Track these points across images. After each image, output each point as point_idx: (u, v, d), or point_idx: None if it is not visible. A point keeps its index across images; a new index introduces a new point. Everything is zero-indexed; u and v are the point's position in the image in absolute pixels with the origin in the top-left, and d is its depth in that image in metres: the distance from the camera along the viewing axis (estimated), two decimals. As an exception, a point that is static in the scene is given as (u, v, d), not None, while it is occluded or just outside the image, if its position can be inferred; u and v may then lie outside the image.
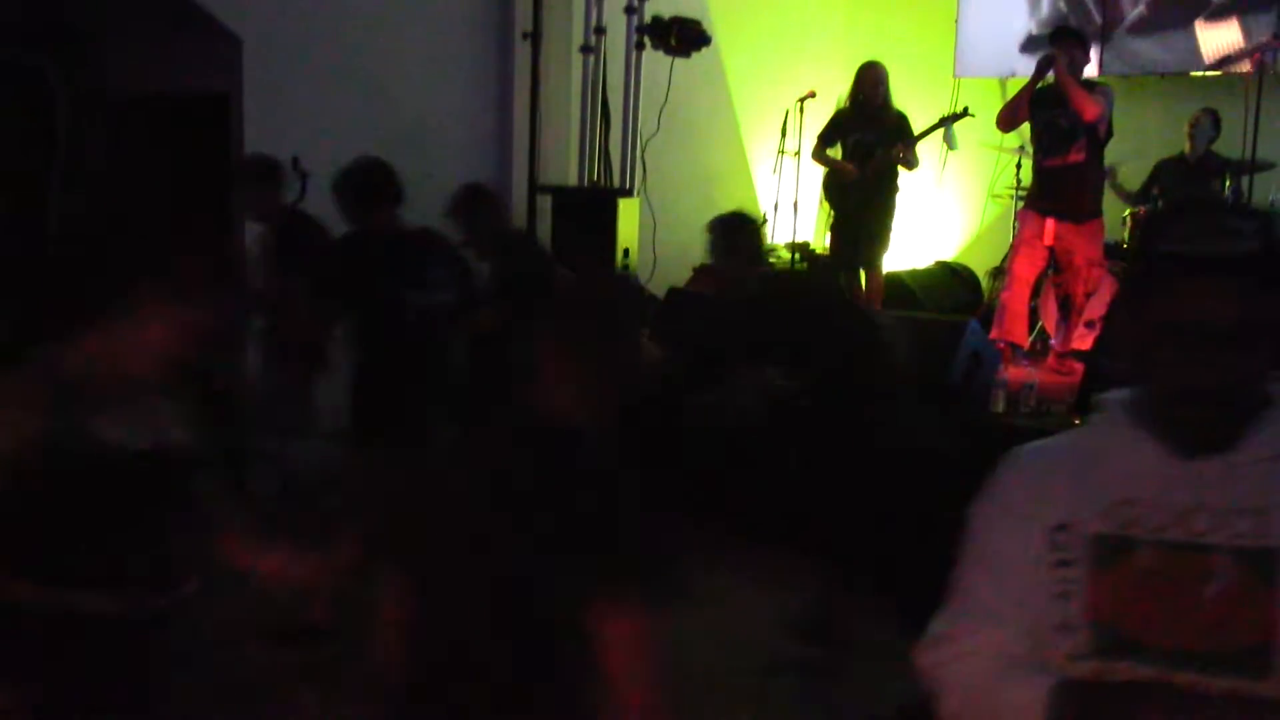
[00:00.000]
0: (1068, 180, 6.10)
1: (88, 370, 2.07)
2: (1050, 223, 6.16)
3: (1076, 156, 6.07)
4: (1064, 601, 1.54)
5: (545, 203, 6.65)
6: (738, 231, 4.37)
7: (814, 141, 6.95)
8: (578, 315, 1.98)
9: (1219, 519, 1.51)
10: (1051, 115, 6.12)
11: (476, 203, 4.74)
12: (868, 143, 6.72)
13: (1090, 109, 5.92)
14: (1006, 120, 6.39)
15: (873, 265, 6.87)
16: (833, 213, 7.10)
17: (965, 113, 6.71)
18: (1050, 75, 6.04)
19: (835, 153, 6.87)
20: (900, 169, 6.72)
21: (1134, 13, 7.88)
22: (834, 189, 6.98)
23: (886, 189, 6.80)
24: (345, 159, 4.21)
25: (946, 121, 6.71)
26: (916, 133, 6.72)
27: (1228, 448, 1.52)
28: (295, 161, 4.84)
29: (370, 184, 4.21)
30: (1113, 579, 1.53)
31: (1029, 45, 8.14)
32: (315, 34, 5.82)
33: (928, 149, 6.97)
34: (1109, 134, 6.12)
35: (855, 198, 6.77)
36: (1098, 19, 8.00)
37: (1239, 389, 1.52)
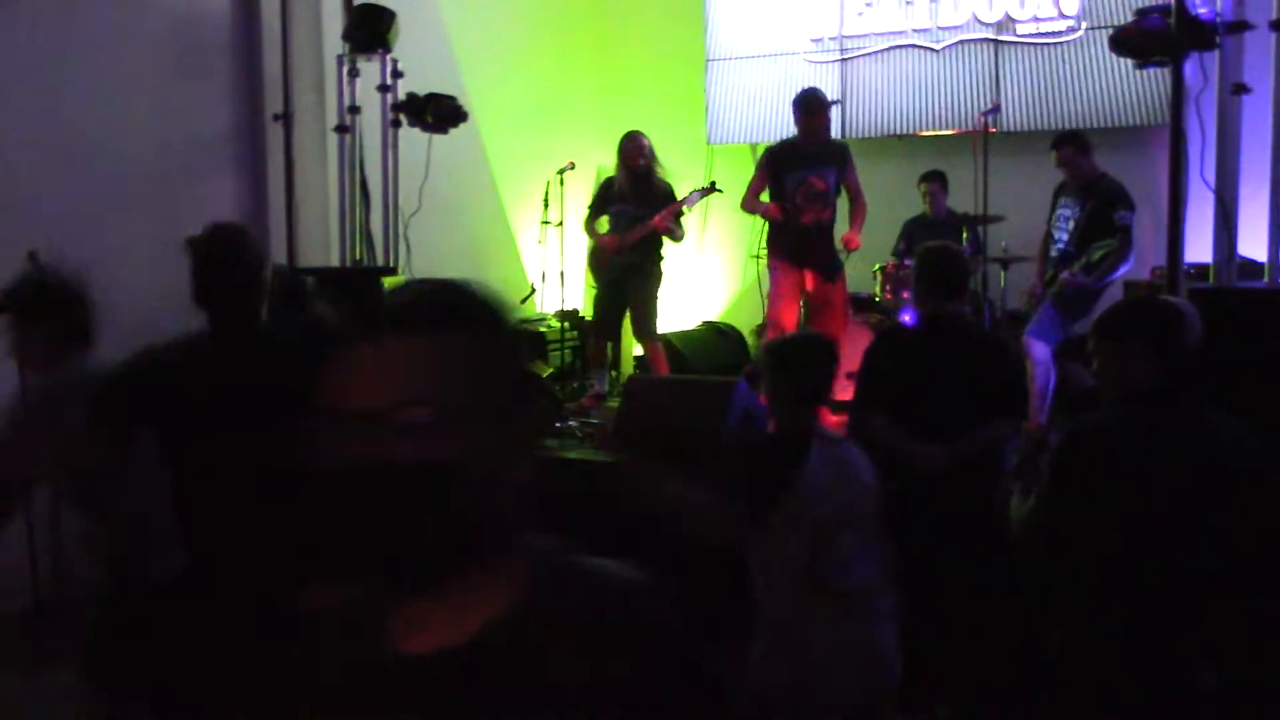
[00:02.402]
0: (820, 235, 6.45)
1: None
2: (807, 274, 6.51)
3: (828, 215, 6.44)
4: None
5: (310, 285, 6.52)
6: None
7: (585, 211, 7.10)
8: None
9: None
10: (805, 176, 6.44)
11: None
12: (629, 214, 6.90)
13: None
14: (749, 207, 6.70)
15: (646, 335, 7.01)
16: (596, 284, 7.23)
17: (714, 187, 6.99)
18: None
19: (603, 224, 7.03)
20: (664, 239, 6.93)
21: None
22: (596, 260, 7.13)
23: (650, 258, 6.97)
24: (91, 252, 4.03)
25: (693, 198, 6.94)
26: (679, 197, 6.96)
27: None
28: (33, 256, 4.60)
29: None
30: None
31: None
32: (52, 119, 5.58)
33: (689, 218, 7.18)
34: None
35: (618, 268, 6.94)
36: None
37: None
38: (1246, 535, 2.74)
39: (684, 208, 6.88)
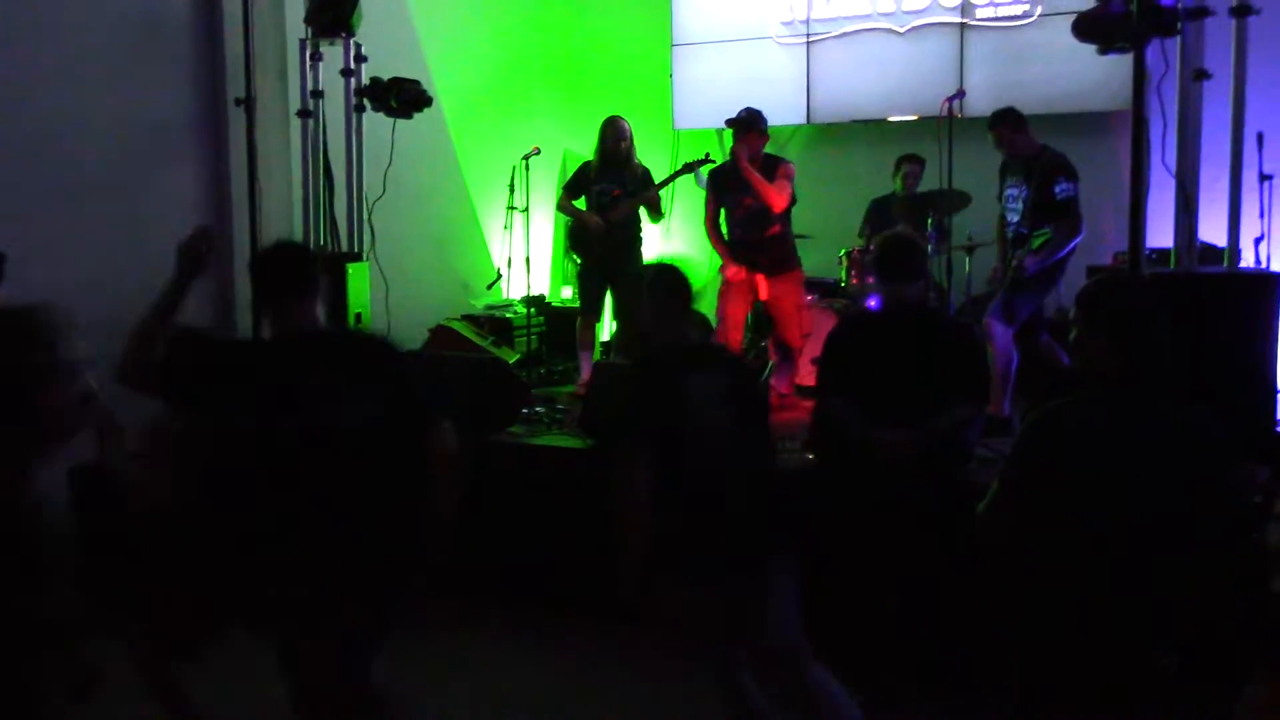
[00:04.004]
0: (765, 248, 6.64)
1: None
2: (759, 277, 6.67)
3: (772, 232, 6.53)
4: None
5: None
6: None
7: (556, 192, 7.10)
8: None
9: None
10: (739, 198, 6.59)
11: None
12: (611, 193, 6.93)
13: (778, 202, 6.48)
14: (711, 235, 6.85)
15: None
16: (579, 262, 7.24)
17: (707, 158, 7.01)
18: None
19: (580, 204, 7.05)
20: (644, 218, 6.98)
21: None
22: (579, 239, 7.14)
23: (632, 238, 7.03)
24: (49, 239, 4.00)
25: (691, 167, 6.97)
26: (659, 180, 6.99)
27: None
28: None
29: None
30: None
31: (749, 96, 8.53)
32: (8, 104, 5.52)
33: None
34: (794, 199, 6.64)
35: (601, 247, 6.95)
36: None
37: None
38: (1209, 521, 2.77)
39: (691, 172, 6.92)
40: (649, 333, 3.48)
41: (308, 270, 3.15)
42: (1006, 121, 6.02)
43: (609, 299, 7.28)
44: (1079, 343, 2.92)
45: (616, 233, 6.96)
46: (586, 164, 7.19)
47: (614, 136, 6.99)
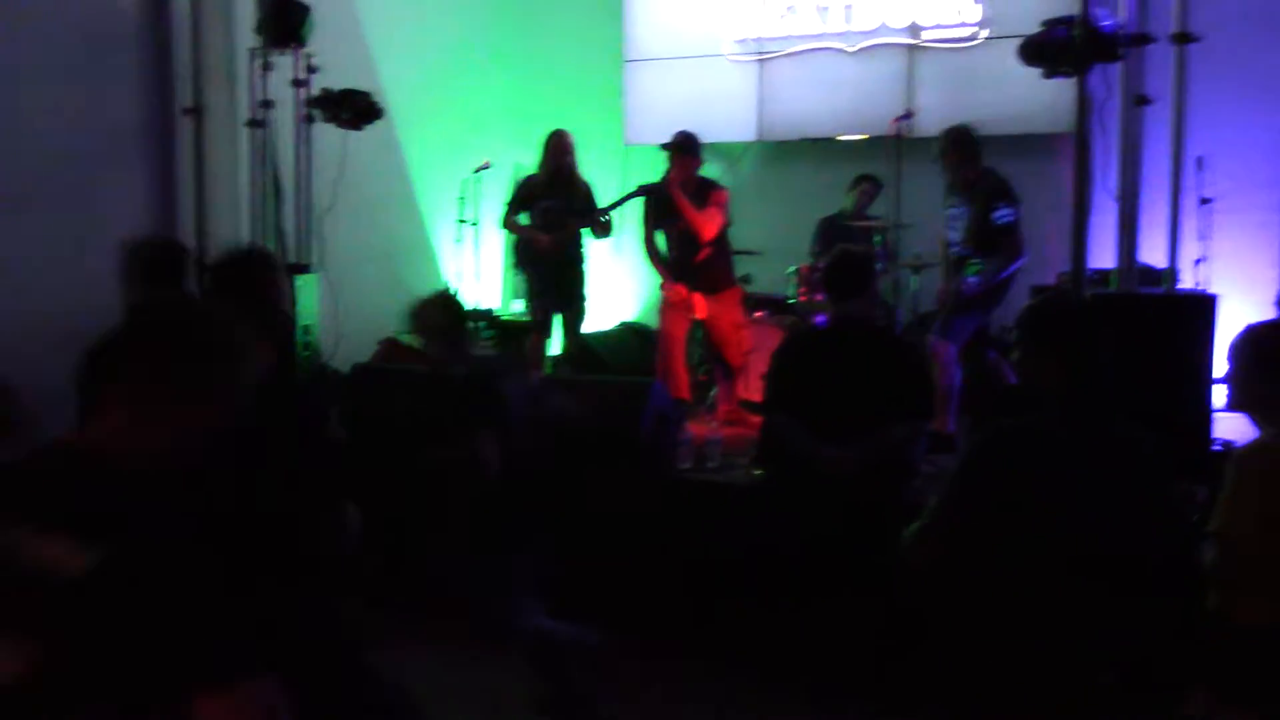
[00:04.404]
0: (700, 269, 6.67)
1: None
2: (697, 296, 6.71)
3: (701, 256, 6.57)
4: None
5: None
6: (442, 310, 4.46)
7: (502, 209, 7.07)
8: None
9: None
10: (673, 221, 6.64)
11: None
12: (558, 210, 6.90)
13: (706, 229, 6.50)
14: (650, 256, 6.91)
15: (576, 336, 7.06)
16: (527, 279, 7.23)
17: (643, 189, 7.01)
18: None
19: (523, 219, 7.00)
20: (589, 235, 6.99)
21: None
22: (526, 256, 7.11)
23: (577, 255, 7.04)
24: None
25: (645, 190, 6.93)
26: (610, 201, 6.97)
27: None
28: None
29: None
30: None
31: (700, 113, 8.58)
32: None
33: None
34: (729, 222, 6.70)
35: (549, 264, 6.94)
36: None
37: None
38: (1148, 539, 2.82)
39: (644, 195, 6.88)
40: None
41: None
42: (955, 148, 6.09)
43: (558, 316, 7.23)
44: (1021, 362, 2.98)
45: (563, 251, 6.96)
46: (530, 179, 7.12)
47: (561, 152, 6.93)
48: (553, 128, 7.09)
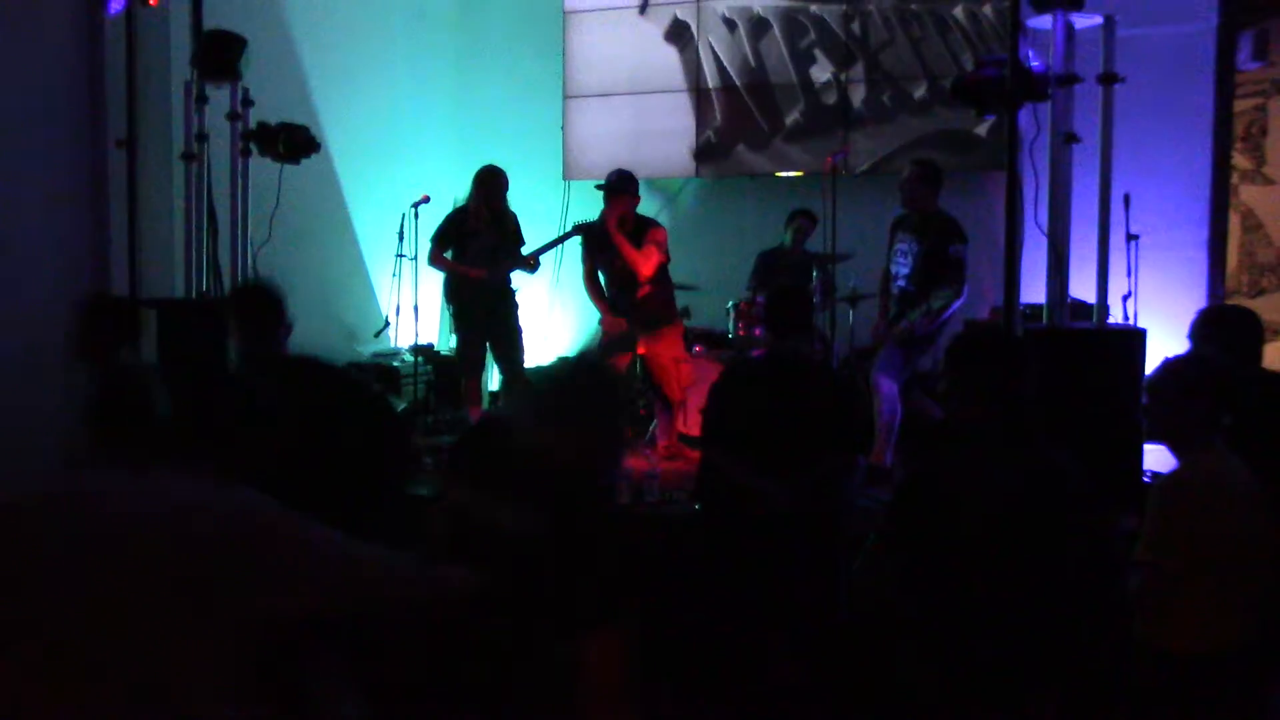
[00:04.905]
0: (639, 307, 6.65)
1: None
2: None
3: (644, 292, 6.59)
4: None
5: (150, 317, 6.35)
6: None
7: (429, 244, 7.03)
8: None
9: None
10: (611, 258, 6.61)
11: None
12: (491, 246, 6.90)
13: (645, 268, 6.51)
14: (590, 295, 6.86)
15: (518, 369, 7.02)
16: (458, 315, 7.20)
17: (578, 229, 7.04)
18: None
19: (451, 256, 7.00)
20: (520, 270, 6.98)
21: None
22: (458, 293, 7.06)
23: (509, 290, 7.04)
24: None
25: (581, 230, 6.93)
26: (547, 241, 6.98)
27: None
28: None
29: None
30: None
31: (641, 149, 8.67)
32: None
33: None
34: (667, 258, 6.67)
35: (483, 302, 6.92)
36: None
37: None
38: (1074, 568, 2.87)
39: (580, 235, 6.86)
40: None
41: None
42: (923, 181, 6.15)
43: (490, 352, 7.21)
44: (949, 394, 3.03)
45: (499, 287, 6.95)
46: (460, 213, 7.06)
47: (500, 188, 6.92)
48: (492, 162, 7.10)
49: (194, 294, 6.49)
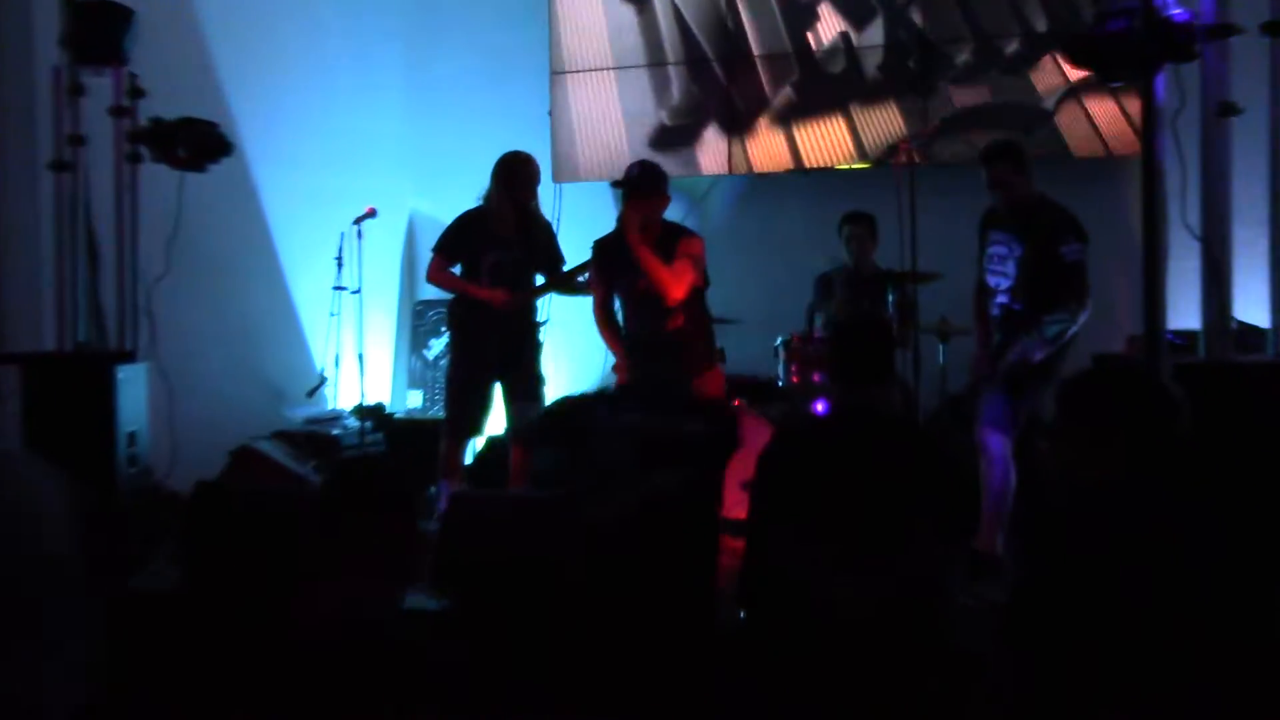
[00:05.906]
0: (667, 346, 6.45)
1: None
2: None
3: (676, 323, 6.41)
4: None
5: (12, 377, 6.34)
6: None
7: (431, 254, 6.84)
8: None
9: None
10: (631, 279, 6.39)
11: None
12: (512, 263, 6.72)
13: (676, 289, 6.27)
14: (602, 333, 6.73)
15: (521, 436, 6.76)
16: (461, 354, 6.98)
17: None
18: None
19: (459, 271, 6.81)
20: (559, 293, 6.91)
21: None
22: (465, 322, 6.87)
23: (534, 321, 6.90)
24: None
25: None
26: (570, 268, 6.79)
27: None
28: None
29: None
30: None
31: (660, 139, 8.65)
32: None
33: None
34: (707, 281, 6.52)
35: (497, 335, 6.71)
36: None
37: None
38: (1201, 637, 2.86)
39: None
40: None
41: None
42: (1007, 157, 6.03)
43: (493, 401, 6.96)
44: (1060, 450, 3.01)
45: (519, 316, 6.78)
46: (477, 215, 6.84)
47: (529, 181, 6.74)
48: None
49: (70, 345, 6.46)
